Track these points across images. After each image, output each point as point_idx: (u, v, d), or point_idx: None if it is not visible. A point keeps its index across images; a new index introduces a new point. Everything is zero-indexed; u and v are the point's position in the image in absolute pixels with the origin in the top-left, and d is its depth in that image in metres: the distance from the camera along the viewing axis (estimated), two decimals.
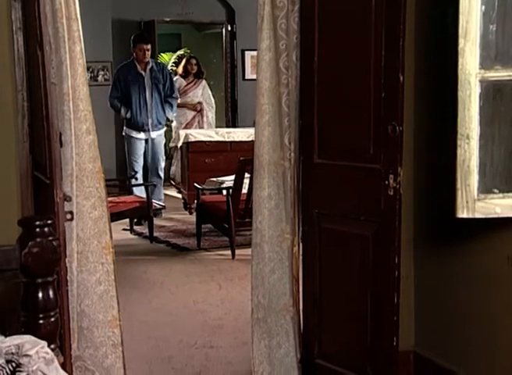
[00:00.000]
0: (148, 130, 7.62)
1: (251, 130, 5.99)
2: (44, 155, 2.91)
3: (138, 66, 7.55)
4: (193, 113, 8.91)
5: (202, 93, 8.95)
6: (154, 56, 8.70)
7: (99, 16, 8.75)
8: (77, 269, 3.22)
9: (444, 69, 3.09)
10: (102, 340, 3.30)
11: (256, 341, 3.50)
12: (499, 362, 3.10)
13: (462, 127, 2.69)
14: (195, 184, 6.81)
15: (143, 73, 7.56)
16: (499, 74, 2.70)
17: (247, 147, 6.50)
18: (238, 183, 6.17)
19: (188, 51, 11.16)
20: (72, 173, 3.15)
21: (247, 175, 6.04)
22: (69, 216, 3.10)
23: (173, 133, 8.81)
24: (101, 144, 3.27)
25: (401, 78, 2.94)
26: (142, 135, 7.65)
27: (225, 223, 6.26)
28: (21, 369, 2.03)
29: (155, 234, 6.90)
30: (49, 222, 2.51)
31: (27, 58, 3.14)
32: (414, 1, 3.31)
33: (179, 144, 8.21)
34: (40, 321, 2.47)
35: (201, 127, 8.85)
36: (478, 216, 2.75)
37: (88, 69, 7.45)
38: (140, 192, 7.23)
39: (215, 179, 7.29)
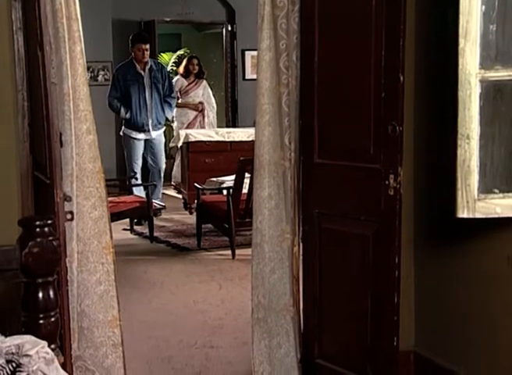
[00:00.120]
0: (148, 130, 7.61)
1: (251, 130, 5.99)
2: (45, 155, 2.91)
3: (137, 66, 7.54)
4: (194, 113, 8.91)
5: (203, 93, 8.95)
6: (154, 56, 8.71)
7: (99, 16, 8.76)
8: (77, 269, 3.22)
9: (444, 69, 3.09)
10: (102, 340, 3.30)
11: (256, 340, 3.50)
12: (500, 362, 3.10)
13: (462, 127, 2.69)
14: (195, 184, 6.82)
15: (142, 72, 7.55)
16: (500, 74, 2.70)
17: (247, 147, 6.49)
18: (238, 183, 6.17)
19: (188, 51, 11.16)
20: (72, 173, 3.15)
21: (247, 175, 6.05)
22: (69, 216, 3.10)
23: (175, 133, 8.82)
24: (101, 144, 3.27)
25: (401, 78, 2.94)
26: (142, 135, 7.63)
27: (225, 222, 6.26)
28: (21, 369, 2.03)
29: (155, 234, 6.90)
30: (49, 222, 2.51)
31: (28, 58, 3.14)
32: (414, 1, 3.31)
33: (179, 144, 8.21)
34: (41, 321, 2.47)
35: (203, 127, 8.85)
36: (478, 215, 2.75)
37: (88, 69, 7.43)
38: (138, 192, 7.24)
39: (215, 179, 7.29)
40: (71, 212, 3.13)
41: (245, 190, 6.13)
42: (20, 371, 2.03)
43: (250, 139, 7.10)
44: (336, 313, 3.39)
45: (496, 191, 2.74)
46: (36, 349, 2.07)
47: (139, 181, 7.60)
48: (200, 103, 8.92)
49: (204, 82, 9.02)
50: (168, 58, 11.24)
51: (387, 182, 3.02)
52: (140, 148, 7.67)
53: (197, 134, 8.20)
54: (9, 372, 2.04)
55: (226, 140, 8.19)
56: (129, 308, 4.58)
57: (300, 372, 3.50)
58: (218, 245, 6.62)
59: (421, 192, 3.49)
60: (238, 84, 10.41)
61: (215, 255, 6.36)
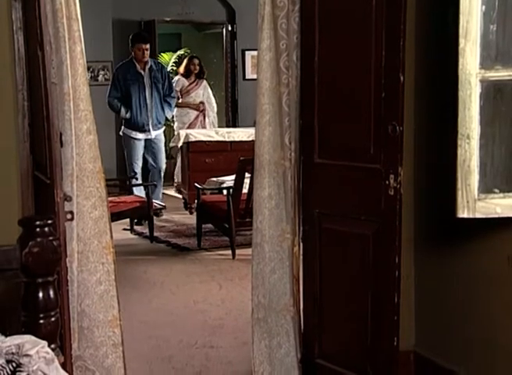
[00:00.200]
0: (148, 130, 7.61)
1: (252, 130, 5.99)
2: (45, 155, 2.91)
3: (137, 66, 7.53)
4: (196, 113, 8.90)
5: (203, 93, 8.94)
6: (154, 56, 8.71)
7: (100, 15, 8.75)
8: (78, 269, 3.22)
9: (444, 68, 3.09)
10: (103, 340, 3.30)
11: (256, 340, 3.50)
12: (500, 362, 3.10)
13: (462, 127, 2.69)
14: (195, 184, 6.82)
15: (142, 72, 7.55)
16: (500, 74, 2.70)
17: (248, 147, 6.50)
18: (238, 183, 6.17)
19: (188, 51, 11.16)
20: (72, 172, 3.15)
21: (247, 175, 6.05)
22: (69, 216, 3.10)
23: (175, 133, 8.82)
24: (101, 144, 3.27)
25: (401, 78, 2.94)
26: (142, 135, 7.63)
27: (225, 222, 6.26)
28: (21, 369, 2.03)
29: (155, 234, 6.90)
30: (49, 222, 2.51)
31: (28, 58, 3.14)
32: (414, 1, 3.31)
33: (180, 144, 8.21)
34: (41, 321, 2.47)
35: (204, 127, 8.84)
36: (478, 215, 2.75)
37: (88, 68, 7.41)
38: (139, 192, 7.24)
39: (215, 179, 7.29)
40: (71, 212, 3.13)
41: (245, 190, 6.13)
42: (20, 371, 2.03)
43: (250, 139, 7.10)
44: (336, 313, 3.39)
45: (497, 190, 2.74)
46: (36, 349, 2.07)
47: (139, 181, 7.59)
48: (201, 103, 8.91)
49: (205, 82, 9.02)
50: (168, 58, 11.24)
51: (387, 182, 3.02)
52: (140, 147, 7.66)
53: (198, 134, 8.20)
54: (9, 372, 2.04)
55: (226, 140, 8.19)
56: (130, 308, 4.58)
57: (301, 372, 3.50)
58: (219, 245, 6.62)
59: (421, 192, 3.49)
60: (238, 84, 10.42)
61: (216, 255, 6.36)
